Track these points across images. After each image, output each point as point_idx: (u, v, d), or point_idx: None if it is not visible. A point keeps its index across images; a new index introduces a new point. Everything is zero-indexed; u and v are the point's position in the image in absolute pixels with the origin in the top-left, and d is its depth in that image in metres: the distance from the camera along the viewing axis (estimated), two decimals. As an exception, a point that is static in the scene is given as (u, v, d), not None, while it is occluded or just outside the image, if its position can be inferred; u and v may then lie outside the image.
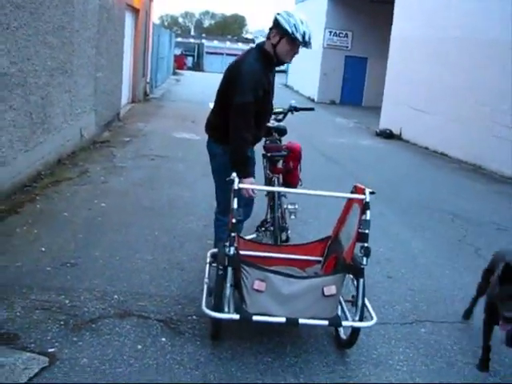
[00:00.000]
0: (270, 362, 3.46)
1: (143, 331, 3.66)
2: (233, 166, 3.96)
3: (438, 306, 4.58)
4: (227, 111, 4.07)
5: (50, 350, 3.31)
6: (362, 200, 3.52)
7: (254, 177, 4.21)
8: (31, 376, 3.04)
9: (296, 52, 4.16)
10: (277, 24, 4.01)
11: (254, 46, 4.40)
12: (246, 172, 4.00)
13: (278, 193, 5.07)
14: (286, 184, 5.17)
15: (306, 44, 4.05)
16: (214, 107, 4.38)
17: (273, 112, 4.98)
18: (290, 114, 5.52)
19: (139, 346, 3.47)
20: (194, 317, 3.91)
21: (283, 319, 3.40)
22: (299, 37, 3.96)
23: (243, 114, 3.99)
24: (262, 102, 4.11)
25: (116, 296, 4.12)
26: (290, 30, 3.95)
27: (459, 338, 4.03)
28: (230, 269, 3.49)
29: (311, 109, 6.08)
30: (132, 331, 3.64)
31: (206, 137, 4.47)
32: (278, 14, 4.04)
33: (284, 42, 4.02)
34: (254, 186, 4.09)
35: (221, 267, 3.56)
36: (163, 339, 3.59)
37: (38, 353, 3.27)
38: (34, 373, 3.07)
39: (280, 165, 5.18)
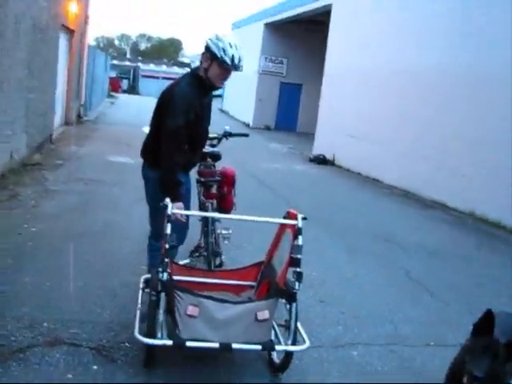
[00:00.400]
0: None
1: (74, 359, 3.57)
2: (163, 189, 3.95)
3: (369, 328, 4.68)
4: (161, 135, 4.07)
5: (-27, 382, 3.19)
6: (295, 225, 3.57)
7: (183, 201, 4.10)
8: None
9: (227, 76, 4.16)
10: (207, 48, 4.04)
11: (189, 70, 4.44)
12: (176, 196, 3.92)
13: (212, 218, 5.08)
14: (220, 209, 5.20)
15: (236, 67, 4.04)
16: (150, 131, 4.38)
17: (208, 137, 5.02)
18: (224, 140, 5.57)
19: (69, 375, 3.38)
20: (127, 344, 3.85)
21: (217, 345, 3.39)
22: (228, 60, 3.97)
23: (175, 138, 4.00)
24: (194, 125, 4.11)
25: (46, 323, 4.00)
26: (218, 54, 3.97)
27: (390, 359, 4.13)
28: (163, 294, 3.47)
29: (246, 135, 6.14)
30: (62, 360, 3.55)
31: (140, 160, 4.44)
32: (209, 38, 4.07)
33: (214, 65, 4.04)
34: (187, 211, 4.09)
35: (154, 293, 3.53)
36: (95, 367, 3.51)
37: (-40, 385, 3.15)
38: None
39: (214, 190, 5.21)
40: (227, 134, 5.56)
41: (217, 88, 4.31)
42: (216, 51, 3.97)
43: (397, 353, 4.27)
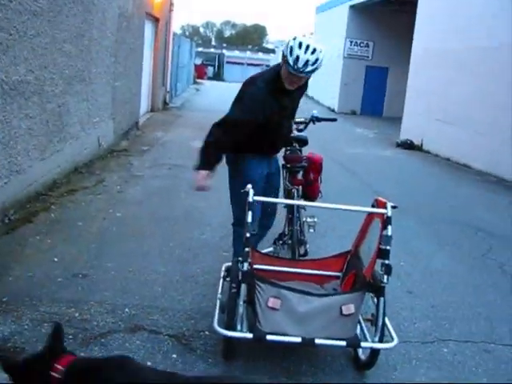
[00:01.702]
0: (284, 381, 3.31)
1: (154, 347, 3.54)
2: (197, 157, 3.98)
3: (462, 324, 4.39)
4: None
5: (56, 366, 3.19)
6: (384, 214, 3.35)
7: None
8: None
9: (292, 79, 3.87)
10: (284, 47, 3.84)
11: (276, 64, 4.22)
12: (202, 164, 3.95)
13: (297, 205, 4.92)
14: (305, 196, 5.02)
15: (298, 69, 3.73)
16: None
17: (294, 122, 4.90)
18: (311, 124, 5.38)
19: (149, 363, 3.33)
20: (207, 333, 3.77)
21: (299, 339, 3.24)
22: (291, 61, 3.70)
23: (225, 128, 3.95)
24: (270, 122, 3.99)
25: (127, 309, 4.00)
26: (285, 53, 3.75)
27: (485, 360, 3.83)
28: (243, 285, 3.34)
29: (334, 119, 5.90)
30: (142, 347, 3.52)
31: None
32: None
33: (284, 66, 3.83)
34: (274, 199, 3.99)
35: (233, 284, 3.42)
36: (174, 356, 3.46)
37: (45, 368, 3.16)
38: (39, 390, 2.95)
39: (300, 176, 5.02)
40: (314, 119, 5.35)
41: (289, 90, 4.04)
42: (285, 50, 3.76)
43: (492, 353, 3.95)
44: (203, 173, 3.96)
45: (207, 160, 3.98)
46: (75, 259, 4.83)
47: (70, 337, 3.53)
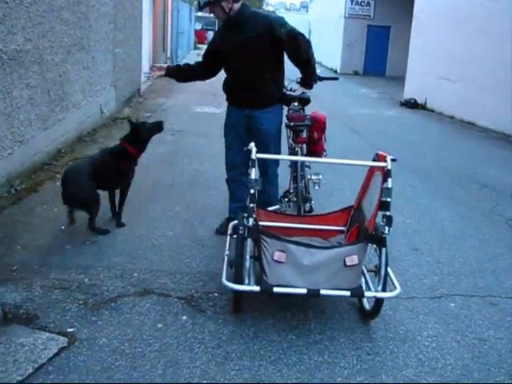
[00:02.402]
0: (293, 339, 3.35)
1: (163, 309, 3.58)
2: None
3: (468, 279, 4.41)
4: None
5: (68, 330, 3.25)
6: (384, 168, 3.40)
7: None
8: (50, 356, 2.98)
9: (211, 12, 4.54)
10: None
11: None
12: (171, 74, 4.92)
13: (302, 163, 4.96)
14: (310, 154, 5.07)
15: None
16: None
17: (296, 81, 4.94)
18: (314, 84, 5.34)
19: (159, 325, 3.39)
20: (216, 294, 3.82)
21: (304, 290, 3.30)
22: None
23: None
24: (227, 58, 4.63)
25: (136, 274, 4.04)
26: None
27: (491, 313, 3.86)
28: (249, 240, 3.40)
29: (335, 78, 5.95)
30: (152, 310, 3.57)
31: (226, 110, 4.74)
32: None
33: None
34: (278, 156, 4.02)
35: (240, 238, 3.47)
36: (184, 317, 3.51)
37: (57, 333, 3.21)
38: (53, 353, 3.02)
39: (304, 135, 5.05)
40: (317, 78, 5.33)
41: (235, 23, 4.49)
42: None
43: (498, 306, 3.98)
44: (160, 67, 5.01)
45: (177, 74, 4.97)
46: (82, 226, 4.84)
47: (81, 302, 3.58)
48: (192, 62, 5.03)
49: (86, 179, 4.54)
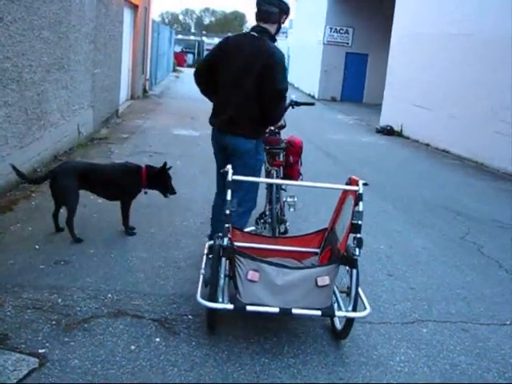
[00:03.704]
0: (266, 362, 3.36)
1: (137, 331, 3.56)
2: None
3: (440, 305, 4.47)
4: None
5: (40, 351, 3.21)
6: (356, 191, 3.52)
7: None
8: (20, 378, 2.94)
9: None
10: None
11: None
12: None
13: (277, 185, 5.04)
14: (286, 177, 5.15)
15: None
16: (248, 100, 4.31)
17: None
18: (290, 110, 5.43)
19: (132, 347, 3.37)
20: (190, 316, 3.81)
21: (276, 309, 3.36)
22: None
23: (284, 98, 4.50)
24: (218, 62, 4.36)
25: (110, 295, 4.02)
26: None
27: (462, 339, 3.92)
28: (224, 259, 3.48)
29: (312, 103, 6.06)
30: (125, 331, 3.54)
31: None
32: None
33: None
34: (254, 178, 4.03)
35: (215, 258, 3.54)
36: (157, 339, 3.49)
37: (28, 354, 3.17)
38: (23, 374, 2.97)
39: (280, 158, 5.13)
40: (293, 103, 5.42)
41: None
42: None
43: (470, 332, 4.04)
44: None
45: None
46: (57, 246, 4.83)
47: (54, 322, 3.54)
48: None
49: (72, 179, 4.99)
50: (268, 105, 4.23)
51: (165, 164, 5.25)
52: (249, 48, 4.23)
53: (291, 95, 5.58)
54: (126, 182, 5.21)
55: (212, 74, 4.41)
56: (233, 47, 4.33)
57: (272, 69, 4.17)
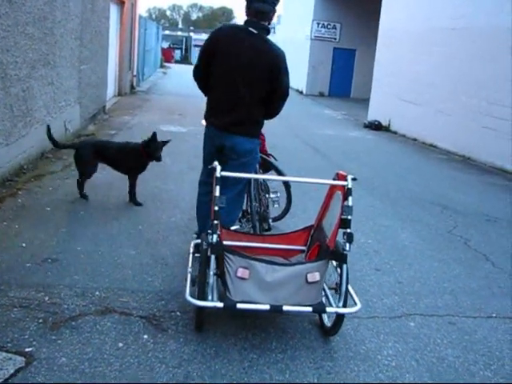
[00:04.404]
0: (255, 358, 3.36)
1: (125, 328, 3.55)
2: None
3: (428, 298, 4.49)
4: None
5: (27, 350, 3.18)
6: (344, 186, 3.50)
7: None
8: (6, 377, 2.91)
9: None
10: None
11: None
12: None
13: (256, 181, 5.01)
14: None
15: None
16: (253, 98, 4.30)
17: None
18: None
19: (120, 344, 3.36)
20: (178, 313, 3.80)
21: (267, 306, 3.35)
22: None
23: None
24: (223, 71, 4.26)
25: (97, 292, 4.00)
26: None
27: (449, 332, 3.94)
28: (213, 257, 3.44)
29: None
30: (113, 329, 3.53)
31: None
32: None
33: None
34: (236, 174, 3.97)
35: (203, 255, 3.51)
36: (145, 336, 3.48)
37: (15, 352, 3.14)
38: (9, 373, 2.95)
39: None
40: None
41: None
42: None
43: (456, 325, 4.07)
44: None
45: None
46: (44, 244, 4.80)
47: (40, 321, 3.51)
48: None
49: (88, 152, 6.16)
50: (275, 104, 4.34)
51: (154, 133, 6.01)
52: (250, 45, 4.15)
53: None
54: (129, 159, 6.12)
55: (208, 67, 4.31)
56: (230, 40, 4.20)
57: (280, 69, 4.19)
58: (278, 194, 5.05)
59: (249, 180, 4.75)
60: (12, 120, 6.68)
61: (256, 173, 5.11)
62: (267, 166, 5.28)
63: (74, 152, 6.23)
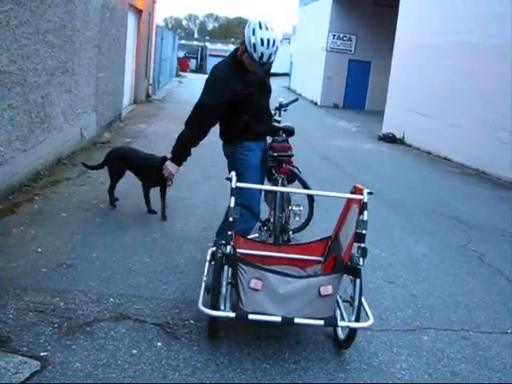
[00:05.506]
0: (268, 368, 3.36)
1: (139, 335, 3.57)
2: (173, 147, 4.69)
3: (442, 312, 4.47)
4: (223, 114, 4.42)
5: (42, 354, 3.21)
6: (360, 200, 3.49)
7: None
8: (22, 380, 2.95)
9: (257, 67, 4.22)
10: (243, 35, 4.12)
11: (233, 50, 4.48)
12: (176, 158, 4.72)
13: (281, 193, 5.01)
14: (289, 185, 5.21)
15: (262, 65, 4.15)
16: None
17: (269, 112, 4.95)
18: (291, 116, 5.47)
19: (134, 351, 3.38)
20: (192, 321, 3.82)
21: (279, 318, 3.35)
22: (256, 57, 4.06)
23: (197, 114, 4.38)
24: (244, 101, 4.29)
25: (112, 299, 4.03)
26: (249, 49, 4.04)
27: (463, 347, 3.92)
28: (226, 267, 3.46)
29: (296, 99, 5.96)
30: (127, 335, 3.55)
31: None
32: (247, 25, 4.10)
33: (246, 55, 4.14)
34: (259, 186, 4.07)
35: (218, 265, 3.53)
36: (159, 344, 3.50)
37: (30, 356, 3.18)
38: (24, 377, 2.98)
39: (285, 165, 5.15)
40: (285, 105, 5.52)
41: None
42: (247, 45, 4.04)
43: (470, 340, 4.05)
44: (173, 165, 4.76)
45: (180, 156, 4.73)
46: (59, 250, 4.84)
47: (55, 326, 3.54)
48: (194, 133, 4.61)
49: (115, 160, 6.41)
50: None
51: (164, 157, 5.70)
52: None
53: (280, 98, 5.64)
54: (144, 171, 6.22)
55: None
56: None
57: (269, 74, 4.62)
58: (301, 207, 5.04)
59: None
60: (30, 126, 6.76)
61: (276, 181, 5.14)
62: (292, 177, 5.29)
63: (105, 156, 6.56)
